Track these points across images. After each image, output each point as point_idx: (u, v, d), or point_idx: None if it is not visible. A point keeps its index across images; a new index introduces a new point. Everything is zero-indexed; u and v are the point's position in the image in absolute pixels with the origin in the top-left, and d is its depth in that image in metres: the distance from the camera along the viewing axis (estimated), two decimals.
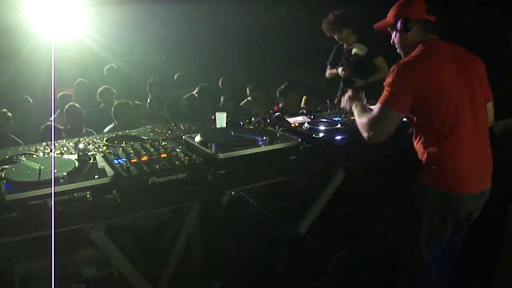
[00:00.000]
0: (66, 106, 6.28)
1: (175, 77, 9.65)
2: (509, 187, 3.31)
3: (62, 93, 7.67)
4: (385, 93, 2.65)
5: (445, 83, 2.61)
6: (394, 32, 2.86)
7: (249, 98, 7.90)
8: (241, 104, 7.99)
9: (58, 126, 5.70)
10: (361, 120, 2.80)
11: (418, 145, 2.74)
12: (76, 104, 6.41)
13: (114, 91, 7.54)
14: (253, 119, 3.44)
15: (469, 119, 2.64)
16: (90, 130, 6.01)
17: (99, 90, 7.57)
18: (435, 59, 2.66)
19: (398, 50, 2.91)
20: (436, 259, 2.79)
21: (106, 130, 5.75)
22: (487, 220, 2.93)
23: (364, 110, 2.91)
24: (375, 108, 2.68)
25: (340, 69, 5.37)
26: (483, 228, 2.98)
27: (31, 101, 7.85)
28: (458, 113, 2.61)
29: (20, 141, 5.54)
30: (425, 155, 2.68)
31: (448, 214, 2.69)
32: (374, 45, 5.10)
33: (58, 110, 6.79)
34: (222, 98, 8.57)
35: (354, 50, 5.07)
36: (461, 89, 2.64)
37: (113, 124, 5.82)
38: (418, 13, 2.73)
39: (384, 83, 2.68)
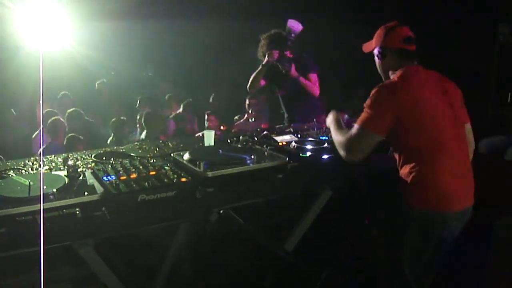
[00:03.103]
0: (50, 120, 6.29)
1: (166, 98, 9.58)
2: (494, 206, 3.38)
3: (47, 109, 7.61)
4: (363, 114, 2.71)
5: (426, 104, 2.69)
6: (375, 56, 3.00)
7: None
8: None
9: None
10: (338, 138, 2.86)
11: (401, 166, 2.79)
12: (61, 118, 6.43)
13: (82, 112, 7.38)
14: (241, 137, 3.47)
15: (451, 139, 2.72)
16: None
17: (67, 112, 7.28)
18: (415, 82, 2.76)
19: (379, 72, 3.04)
20: (418, 277, 2.83)
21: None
22: (473, 238, 2.97)
23: (341, 127, 2.97)
24: (353, 128, 2.73)
25: (267, 55, 4.86)
26: (469, 245, 3.03)
27: (14, 113, 7.83)
28: (439, 133, 2.68)
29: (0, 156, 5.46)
30: (408, 176, 2.72)
31: (431, 235, 2.73)
32: (311, 62, 5.05)
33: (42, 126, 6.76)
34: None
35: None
36: (442, 110, 2.73)
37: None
38: (394, 42, 2.87)
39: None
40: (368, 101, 2.72)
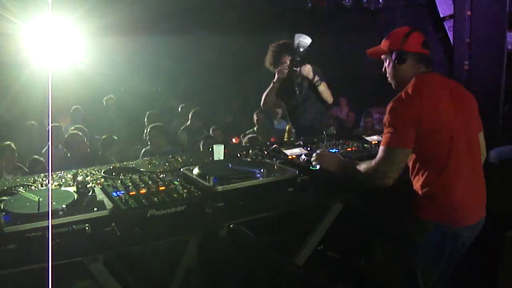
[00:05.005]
0: (67, 134, 6.34)
1: (179, 109, 9.64)
2: (506, 216, 3.34)
3: (52, 124, 7.67)
4: (386, 134, 2.64)
5: (442, 116, 2.64)
6: (388, 61, 2.88)
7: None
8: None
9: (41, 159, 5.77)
10: (364, 170, 2.74)
11: (414, 179, 2.75)
12: (80, 132, 6.46)
13: (86, 129, 7.42)
14: (250, 151, 3.46)
15: (464, 151, 2.68)
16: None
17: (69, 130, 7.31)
18: (431, 93, 2.69)
19: (389, 79, 2.93)
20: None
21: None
22: (485, 248, 2.94)
23: (349, 163, 2.91)
24: (380, 152, 2.65)
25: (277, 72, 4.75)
26: (480, 257, 2.99)
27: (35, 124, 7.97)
28: (454, 145, 2.64)
29: (26, 169, 5.58)
30: (421, 188, 2.69)
31: (444, 247, 2.70)
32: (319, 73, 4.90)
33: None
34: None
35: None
36: (457, 121, 2.68)
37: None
38: (414, 46, 2.76)
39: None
40: (386, 119, 2.66)
